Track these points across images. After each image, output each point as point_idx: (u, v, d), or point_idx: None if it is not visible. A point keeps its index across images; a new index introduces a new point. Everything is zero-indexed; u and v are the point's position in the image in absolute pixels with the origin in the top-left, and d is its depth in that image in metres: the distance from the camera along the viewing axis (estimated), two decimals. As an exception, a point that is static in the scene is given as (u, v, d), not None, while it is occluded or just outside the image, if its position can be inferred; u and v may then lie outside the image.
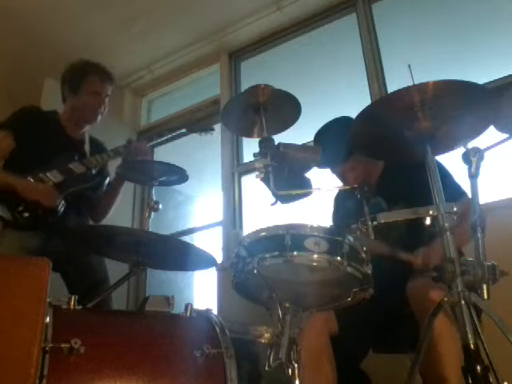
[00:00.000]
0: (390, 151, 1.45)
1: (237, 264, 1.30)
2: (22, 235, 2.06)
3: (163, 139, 2.37)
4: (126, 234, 1.76)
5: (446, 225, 1.20)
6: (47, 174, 2.10)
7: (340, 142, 1.70)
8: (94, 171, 2.20)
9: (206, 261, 1.75)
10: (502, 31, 2.84)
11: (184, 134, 2.38)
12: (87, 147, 2.31)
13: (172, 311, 1.41)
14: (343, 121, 1.85)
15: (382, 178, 1.87)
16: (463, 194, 1.63)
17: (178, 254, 1.76)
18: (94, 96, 2.27)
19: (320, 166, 1.86)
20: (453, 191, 1.53)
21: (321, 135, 1.89)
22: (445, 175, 1.66)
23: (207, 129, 2.38)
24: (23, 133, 2.17)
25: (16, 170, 2.10)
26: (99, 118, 2.32)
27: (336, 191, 2.10)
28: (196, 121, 3.93)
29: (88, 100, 2.26)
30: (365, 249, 1.29)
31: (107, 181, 2.35)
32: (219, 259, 3.15)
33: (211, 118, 3.77)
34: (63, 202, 2.10)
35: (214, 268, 3.08)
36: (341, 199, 2.04)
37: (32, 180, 2.07)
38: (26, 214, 2.04)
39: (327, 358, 1.58)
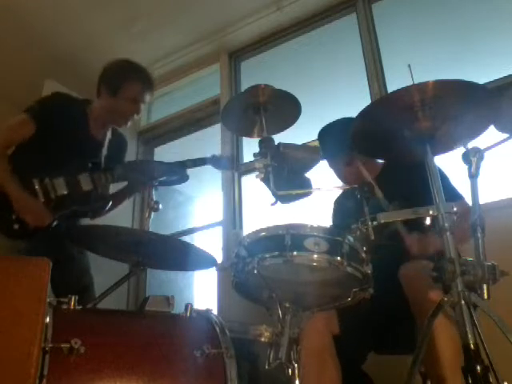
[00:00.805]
0: (389, 151, 1.45)
1: (237, 264, 1.30)
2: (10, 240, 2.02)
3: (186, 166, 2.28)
4: (126, 234, 1.76)
5: (446, 225, 1.20)
6: (53, 181, 2.04)
7: (340, 137, 1.71)
8: (100, 190, 2.12)
9: (206, 261, 1.75)
10: (502, 31, 2.84)
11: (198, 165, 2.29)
12: (105, 150, 2.23)
13: (172, 311, 1.41)
14: (348, 119, 1.87)
15: (381, 177, 1.88)
16: (460, 197, 1.63)
17: (177, 254, 1.76)
18: (132, 103, 2.16)
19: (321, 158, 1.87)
20: (449, 194, 1.52)
21: (324, 130, 1.92)
22: (442, 178, 1.67)
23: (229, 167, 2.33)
24: (45, 123, 2.09)
25: (27, 160, 2.06)
26: (129, 124, 2.24)
27: (335, 193, 2.10)
28: (196, 121, 3.94)
29: (124, 106, 2.16)
30: (365, 249, 1.30)
31: (108, 206, 2.26)
32: (219, 259, 3.16)
33: (211, 117, 3.77)
34: (55, 220, 2.04)
35: (214, 268, 3.08)
36: (341, 200, 2.05)
37: (37, 186, 2.01)
38: (16, 226, 2.00)
39: (331, 357, 1.57)
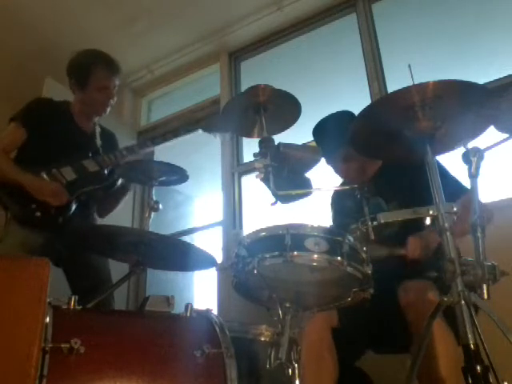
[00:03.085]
0: (389, 151, 1.45)
1: (237, 264, 1.30)
2: (27, 232, 2.06)
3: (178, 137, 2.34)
4: (127, 234, 1.76)
5: (446, 225, 1.20)
6: (61, 170, 2.10)
7: (336, 133, 1.71)
8: (106, 170, 2.19)
9: (205, 261, 1.75)
10: (502, 31, 2.84)
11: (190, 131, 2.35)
12: (98, 141, 2.30)
13: (172, 311, 1.41)
14: (346, 113, 1.86)
15: (380, 177, 1.87)
16: (465, 190, 1.61)
17: (178, 254, 1.76)
18: (103, 91, 2.25)
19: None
20: (454, 189, 1.51)
21: (317, 128, 1.90)
22: (443, 174, 1.66)
23: (223, 129, 2.36)
24: (35, 125, 2.17)
25: (30, 162, 2.10)
26: (108, 110, 2.31)
27: (331, 193, 2.10)
28: (196, 121, 3.93)
29: (97, 96, 2.24)
30: (365, 249, 1.30)
31: (120, 181, 2.32)
32: (219, 259, 3.15)
33: (211, 117, 3.77)
34: (74, 201, 2.10)
35: (214, 268, 3.08)
36: (339, 200, 2.04)
37: (46, 176, 2.08)
38: (38, 213, 2.04)
39: (329, 352, 1.58)
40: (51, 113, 2.23)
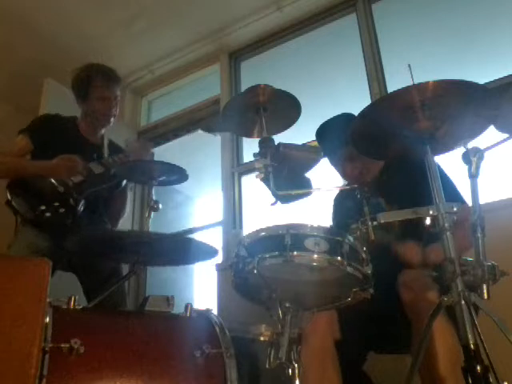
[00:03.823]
0: (389, 151, 1.45)
1: (237, 264, 1.30)
2: (37, 235, 2.09)
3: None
4: (126, 238, 1.75)
5: (446, 225, 1.20)
6: None
7: (340, 132, 1.71)
8: (112, 171, 2.22)
9: (206, 252, 1.74)
10: (502, 31, 2.84)
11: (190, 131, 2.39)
12: (106, 151, 2.35)
13: (172, 311, 1.41)
14: (344, 115, 1.87)
15: (380, 177, 1.87)
16: (462, 201, 1.61)
17: (178, 249, 1.75)
18: (103, 101, 2.29)
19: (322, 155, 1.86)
20: (451, 198, 1.51)
21: (322, 128, 1.90)
22: (444, 180, 1.66)
23: (222, 129, 2.39)
24: (40, 138, 2.23)
25: None
26: (112, 120, 2.36)
27: (334, 193, 2.10)
28: (196, 121, 3.94)
29: (97, 106, 2.29)
30: (365, 249, 1.30)
31: (124, 182, 2.37)
32: (219, 259, 3.15)
33: (211, 118, 3.77)
34: (82, 201, 2.13)
35: (214, 268, 3.09)
36: (340, 200, 2.04)
37: (53, 180, 2.12)
38: (48, 214, 2.07)
39: (331, 360, 1.57)
40: (56, 127, 2.29)
